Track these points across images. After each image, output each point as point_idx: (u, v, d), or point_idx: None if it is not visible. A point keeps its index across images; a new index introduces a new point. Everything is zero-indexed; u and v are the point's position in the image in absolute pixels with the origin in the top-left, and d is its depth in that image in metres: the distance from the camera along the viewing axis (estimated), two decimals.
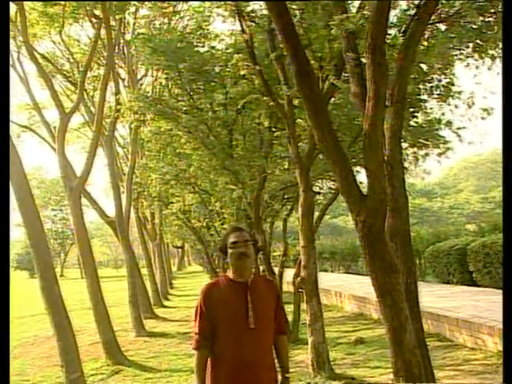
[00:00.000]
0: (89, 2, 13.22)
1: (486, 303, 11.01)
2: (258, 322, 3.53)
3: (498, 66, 7.89)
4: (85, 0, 13.04)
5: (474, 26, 7.27)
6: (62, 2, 13.99)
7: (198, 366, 3.61)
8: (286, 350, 3.83)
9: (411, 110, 10.78)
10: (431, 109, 11.38)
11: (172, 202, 17.89)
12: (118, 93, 17.99)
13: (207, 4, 14.38)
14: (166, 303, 25.30)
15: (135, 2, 15.50)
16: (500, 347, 8.17)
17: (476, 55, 7.96)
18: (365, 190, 4.71)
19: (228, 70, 11.26)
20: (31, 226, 8.27)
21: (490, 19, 7.09)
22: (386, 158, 5.16)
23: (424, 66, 9.39)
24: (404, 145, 11.77)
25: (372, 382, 6.60)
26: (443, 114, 11.22)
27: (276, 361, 3.73)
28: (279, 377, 3.71)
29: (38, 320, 17.92)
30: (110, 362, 11.51)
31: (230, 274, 3.66)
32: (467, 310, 10.27)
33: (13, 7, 12.33)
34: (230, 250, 3.61)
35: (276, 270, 13.18)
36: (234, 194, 12.04)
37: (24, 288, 43.19)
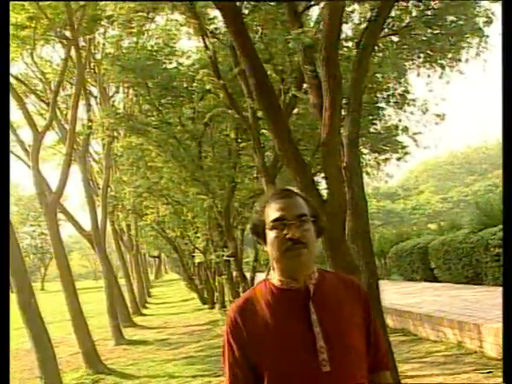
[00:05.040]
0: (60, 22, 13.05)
1: (446, 298, 11.15)
2: (338, 358, 1.75)
3: (448, 74, 8.07)
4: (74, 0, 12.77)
5: (424, 38, 7.43)
6: (33, 25, 13.82)
7: None
8: None
9: (370, 117, 10.90)
10: (389, 116, 11.56)
11: (146, 214, 17.76)
12: (89, 110, 17.79)
13: (173, 22, 14.38)
14: (144, 311, 25.05)
15: (104, 23, 15.35)
16: (460, 338, 8.28)
17: (427, 65, 8.10)
18: None
19: (195, 85, 11.28)
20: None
21: (438, 31, 7.25)
22: (344, 164, 5.18)
23: (380, 76, 9.53)
24: (365, 151, 11.91)
25: None
26: (400, 121, 11.41)
27: None
28: None
29: (19, 334, 17.50)
30: (91, 371, 11.31)
31: (273, 276, 1.88)
32: (429, 305, 10.37)
33: None
34: (270, 233, 1.82)
35: (248, 275, 13.19)
36: (205, 203, 12.03)
37: None
